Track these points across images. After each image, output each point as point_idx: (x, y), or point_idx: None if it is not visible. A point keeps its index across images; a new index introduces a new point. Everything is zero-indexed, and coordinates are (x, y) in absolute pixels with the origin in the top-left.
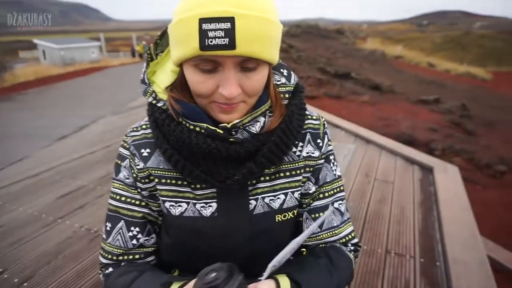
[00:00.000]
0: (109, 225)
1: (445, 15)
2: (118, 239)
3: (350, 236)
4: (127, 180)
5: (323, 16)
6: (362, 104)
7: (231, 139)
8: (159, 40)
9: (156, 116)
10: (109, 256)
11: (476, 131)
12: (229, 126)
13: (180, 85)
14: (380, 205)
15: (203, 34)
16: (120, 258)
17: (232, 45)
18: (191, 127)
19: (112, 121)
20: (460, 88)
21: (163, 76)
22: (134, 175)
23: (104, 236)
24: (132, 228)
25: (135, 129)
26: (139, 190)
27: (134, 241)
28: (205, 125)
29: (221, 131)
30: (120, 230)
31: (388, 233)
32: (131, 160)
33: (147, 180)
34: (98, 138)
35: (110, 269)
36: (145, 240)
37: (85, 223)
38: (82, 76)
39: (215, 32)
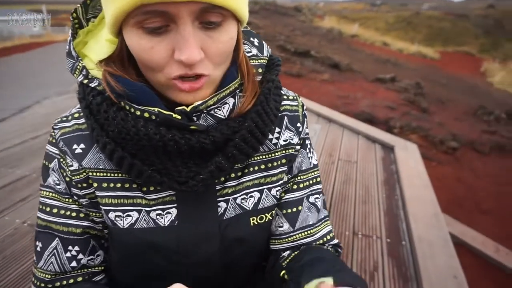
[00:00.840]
0: (39, 245)
1: None
2: (52, 262)
3: (328, 237)
4: (58, 187)
5: None
6: (322, 82)
7: (192, 127)
8: (90, 0)
9: (89, 99)
10: (42, 285)
11: (430, 109)
12: (188, 109)
13: (120, 57)
14: (345, 185)
15: None
16: (57, 284)
17: None
18: (138, 112)
19: (57, 102)
20: (412, 67)
21: (97, 48)
22: (68, 179)
23: (35, 259)
24: (71, 248)
25: (64, 118)
26: (75, 198)
27: (74, 263)
28: (156, 109)
29: (179, 117)
30: (55, 251)
31: (355, 214)
32: (61, 160)
33: (85, 185)
34: (42, 121)
35: None
36: (88, 260)
37: (28, 218)
38: (23, 52)
39: None
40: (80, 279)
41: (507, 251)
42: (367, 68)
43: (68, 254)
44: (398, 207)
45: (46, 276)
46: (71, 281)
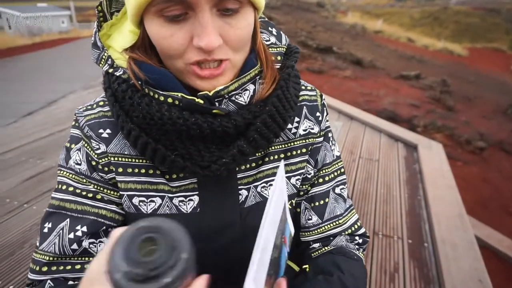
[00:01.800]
0: (48, 226)
1: None
2: (54, 243)
3: (356, 226)
4: (78, 167)
5: None
6: (344, 79)
7: (214, 111)
8: None
9: (115, 87)
10: (36, 268)
11: (456, 107)
12: (210, 94)
13: (143, 46)
14: (366, 184)
15: None
16: (54, 268)
17: None
18: (161, 98)
19: (83, 96)
20: (439, 63)
21: (121, 39)
22: (94, 163)
23: (37, 243)
24: (78, 227)
25: (89, 107)
26: (96, 180)
27: (75, 245)
28: (179, 94)
29: (201, 101)
30: (61, 231)
31: (375, 213)
32: (85, 145)
33: (111, 168)
34: (68, 115)
35: None
36: (90, 244)
37: None
38: (51, 48)
39: None
40: (78, 266)
41: None
42: (391, 65)
43: (72, 235)
44: (421, 207)
45: (45, 258)
46: (69, 267)
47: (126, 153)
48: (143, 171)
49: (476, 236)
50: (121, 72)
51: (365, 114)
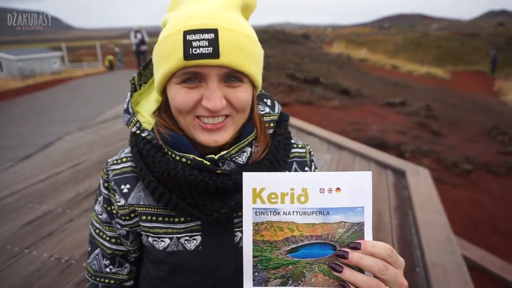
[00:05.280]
0: (89, 248)
1: (404, 18)
2: (94, 263)
3: None
4: (100, 216)
5: (288, 21)
6: (332, 109)
7: (218, 171)
8: (143, 70)
9: (140, 146)
10: (89, 275)
11: (441, 131)
12: (216, 157)
13: (165, 109)
14: None
15: (187, 44)
16: (98, 279)
17: (216, 54)
18: (177, 158)
19: (79, 137)
20: (423, 88)
21: (148, 106)
22: (114, 212)
23: (88, 252)
24: (104, 259)
25: (115, 162)
26: (118, 226)
27: (108, 269)
28: (191, 156)
29: (208, 163)
30: (97, 256)
31: None
32: (111, 196)
33: (128, 218)
34: (64, 157)
35: None
36: (117, 270)
37: (55, 252)
38: (44, 90)
39: (199, 42)
40: (112, 282)
41: None
42: (377, 93)
43: (105, 262)
44: (411, 233)
45: (92, 271)
46: (106, 280)
47: (141, 203)
48: (153, 218)
49: (469, 258)
50: (146, 134)
51: (354, 143)
